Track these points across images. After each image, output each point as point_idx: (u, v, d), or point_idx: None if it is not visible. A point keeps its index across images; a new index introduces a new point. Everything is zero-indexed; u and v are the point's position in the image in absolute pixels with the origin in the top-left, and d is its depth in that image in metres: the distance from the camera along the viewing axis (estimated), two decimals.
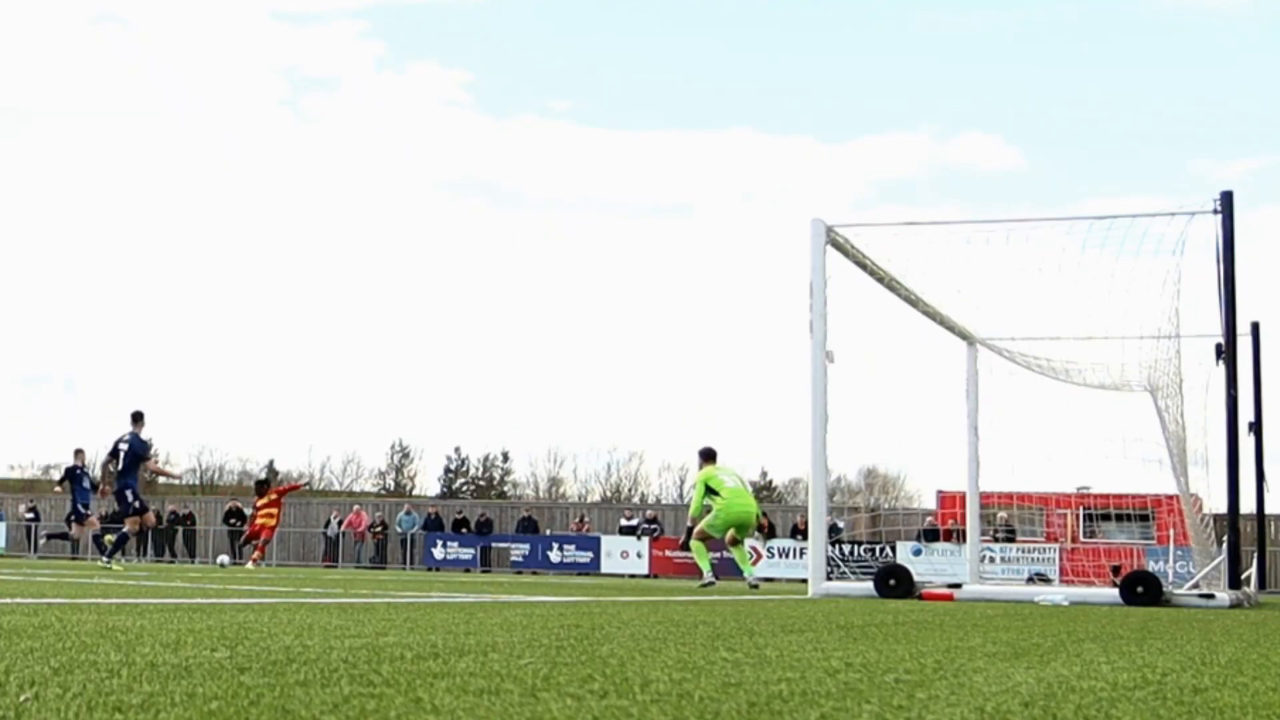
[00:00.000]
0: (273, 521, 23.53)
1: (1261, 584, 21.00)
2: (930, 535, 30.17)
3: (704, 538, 15.97)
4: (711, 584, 15.87)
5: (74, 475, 21.80)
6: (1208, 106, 67.31)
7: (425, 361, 76.09)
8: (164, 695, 2.35)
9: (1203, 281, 12.48)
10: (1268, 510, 21.83)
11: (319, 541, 37.84)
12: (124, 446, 18.01)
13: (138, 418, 18.14)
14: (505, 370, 76.94)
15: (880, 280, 13.72)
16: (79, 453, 22.46)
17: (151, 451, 17.78)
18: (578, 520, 37.24)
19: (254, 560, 23.52)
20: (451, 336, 73.29)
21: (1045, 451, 17.22)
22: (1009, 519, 29.50)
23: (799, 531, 31.29)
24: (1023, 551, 29.05)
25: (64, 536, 23.43)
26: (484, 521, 36.81)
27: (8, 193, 73.07)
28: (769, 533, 33.70)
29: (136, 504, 17.77)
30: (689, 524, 17.11)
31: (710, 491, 15.42)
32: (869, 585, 12.20)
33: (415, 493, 60.19)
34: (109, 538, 18.02)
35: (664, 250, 73.01)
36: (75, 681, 2.50)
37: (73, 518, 21.65)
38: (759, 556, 32.12)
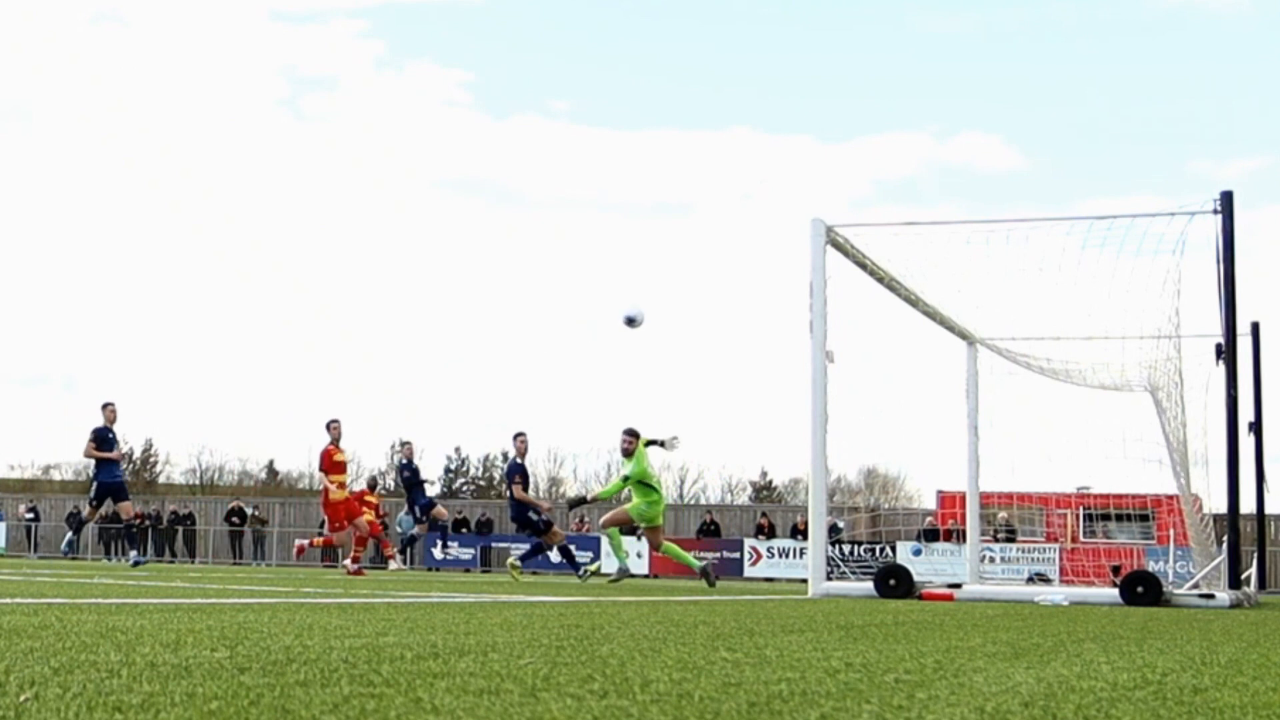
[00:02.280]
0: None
1: (1261, 584, 21.00)
2: (930, 535, 30.18)
3: (623, 521, 15.57)
4: (629, 575, 15.65)
5: (406, 477, 21.70)
6: (1208, 106, 67.28)
7: (425, 361, 76.08)
8: (164, 695, 2.35)
9: (1203, 281, 12.48)
10: (1268, 510, 21.82)
11: None
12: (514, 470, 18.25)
13: (517, 436, 18.18)
14: (505, 370, 76.91)
15: (880, 280, 13.73)
16: (406, 445, 22.39)
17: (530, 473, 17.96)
18: (578, 520, 37.24)
19: (391, 558, 23.94)
20: (452, 336, 73.25)
21: (1045, 451, 17.21)
22: (1009, 519, 29.50)
23: (799, 531, 31.30)
24: (1023, 551, 29.05)
25: (412, 541, 23.11)
26: (484, 521, 36.81)
27: (8, 193, 73.08)
28: (769, 533, 33.72)
29: (542, 522, 17.72)
30: (589, 498, 17.04)
31: (643, 483, 15.12)
32: (869, 585, 12.20)
33: None
34: (511, 560, 17.80)
35: (664, 250, 73.01)
36: (75, 681, 2.50)
37: (418, 519, 21.62)
38: (759, 556, 32.23)
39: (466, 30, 72.44)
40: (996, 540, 28.79)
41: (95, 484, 17.99)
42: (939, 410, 17.63)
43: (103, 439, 17.90)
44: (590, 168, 73.09)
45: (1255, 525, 21.53)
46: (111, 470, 17.94)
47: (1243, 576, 14.58)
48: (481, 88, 73.23)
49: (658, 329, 72.99)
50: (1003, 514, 29.26)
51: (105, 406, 18.04)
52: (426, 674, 2.86)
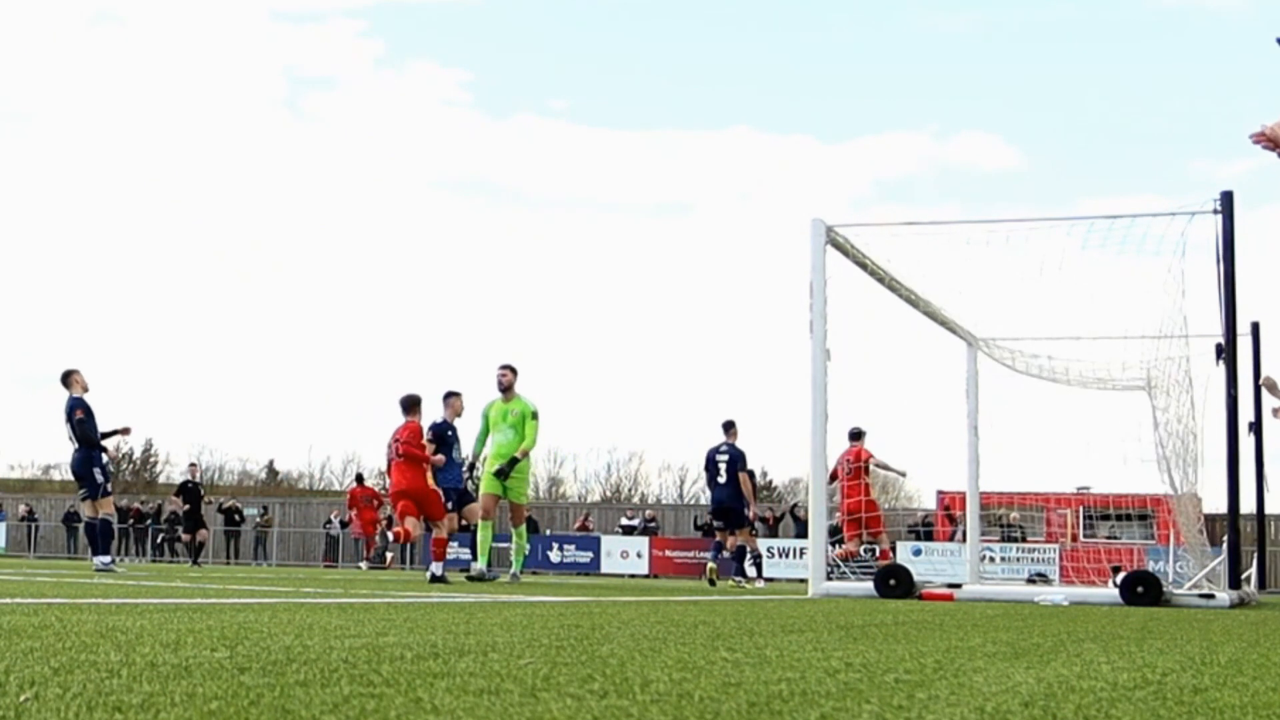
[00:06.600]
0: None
1: (1261, 584, 20.99)
2: (929, 534, 30.19)
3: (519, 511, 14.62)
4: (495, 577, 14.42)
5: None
6: (1208, 106, 67.30)
7: (425, 361, 76.05)
8: (164, 695, 2.34)
9: (1203, 281, 12.47)
10: (1268, 510, 21.81)
11: (319, 541, 37.84)
12: (722, 458, 16.65)
13: (729, 426, 16.81)
14: None
15: (880, 280, 13.72)
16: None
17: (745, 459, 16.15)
18: (581, 518, 37.22)
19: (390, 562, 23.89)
20: (451, 336, 73.29)
21: (1045, 451, 17.20)
22: (1018, 519, 29.47)
23: (796, 518, 31.35)
24: (1023, 551, 29.05)
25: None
26: None
27: (7, 193, 73.08)
28: (770, 531, 33.71)
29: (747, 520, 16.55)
30: (519, 455, 14.42)
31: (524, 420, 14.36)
32: (869, 585, 12.19)
33: None
34: (711, 565, 16.97)
35: (664, 250, 73.04)
36: (75, 681, 2.50)
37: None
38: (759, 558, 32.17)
39: (466, 30, 72.48)
40: (1003, 540, 28.80)
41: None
42: (939, 410, 17.62)
43: (441, 437, 14.82)
44: (590, 167, 73.15)
45: (1255, 525, 21.52)
46: (451, 473, 14.88)
47: (1243, 576, 14.57)
48: (480, 87, 73.29)
49: (658, 329, 73.07)
50: (1014, 514, 29.26)
51: (449, 397, 15.04)
52: (426, 674, 2.86)
